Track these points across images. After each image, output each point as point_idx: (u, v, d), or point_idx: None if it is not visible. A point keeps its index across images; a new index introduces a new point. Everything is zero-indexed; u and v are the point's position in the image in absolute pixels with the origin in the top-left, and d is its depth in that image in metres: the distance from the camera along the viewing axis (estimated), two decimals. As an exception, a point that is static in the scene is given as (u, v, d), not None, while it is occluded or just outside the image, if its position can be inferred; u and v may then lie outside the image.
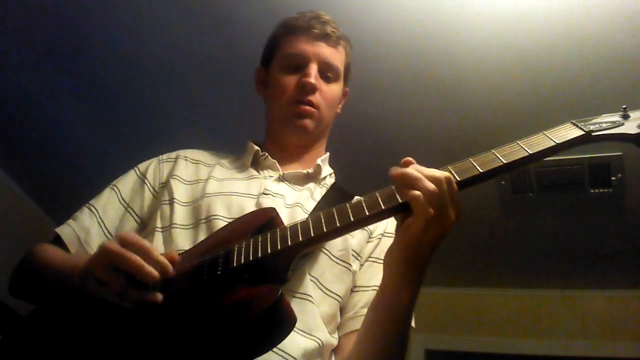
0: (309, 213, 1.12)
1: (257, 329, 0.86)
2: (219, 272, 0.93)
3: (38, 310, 1.05)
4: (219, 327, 0.87)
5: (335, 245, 1.11)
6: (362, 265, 1.16)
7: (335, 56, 1.27)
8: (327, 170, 1.31)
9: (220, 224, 1.09)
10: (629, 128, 0.94)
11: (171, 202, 1.16)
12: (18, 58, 2.56)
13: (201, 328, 0.89)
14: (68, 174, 3.13)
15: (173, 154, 1.29)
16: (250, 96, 1.43)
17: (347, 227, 0.92)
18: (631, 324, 3.34)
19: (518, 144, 0.97)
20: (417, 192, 0.89)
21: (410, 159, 0.97)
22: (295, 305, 0.95)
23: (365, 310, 1.07)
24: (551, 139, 0.95)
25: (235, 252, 0.95)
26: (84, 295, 0.93)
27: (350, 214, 0.91)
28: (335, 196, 1.18)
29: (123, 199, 1.22)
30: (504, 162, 0.94)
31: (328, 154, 1.34)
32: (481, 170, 0.95)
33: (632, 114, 0.98)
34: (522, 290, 3.65)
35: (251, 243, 0.95)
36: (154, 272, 0.89)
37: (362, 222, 0.92)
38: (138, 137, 2.83)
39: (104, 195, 1.23)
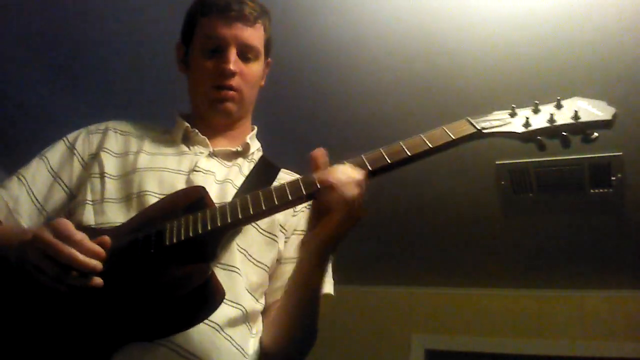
0: (237, 188, 1.18)
1: (190, 304, 0.94)
2: (152, 250, 0.98)
3: None
4: (153, 303, 0.95)
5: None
6: (288, 238, 1.23)
7: (254, 35, 1.27)
8: (255, 145, 1.35)
9: (151, 199, 1.12)
10: (514, 126, 1.01)
11: (102, 175, 1.18)
12: (17, 58, 2.56)
13: (135, 304, 0.95)
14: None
15: (102, 125, 1.31)
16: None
17: (271, 210, 1.00)
18: (631, 324, 3.34)
19: (421, 137, 1.04)
20: (337, 196, 0.96)
21: (320, 151, 1.03)
22: (223, 277, 1.03)
23: None
24: (449, 134, 1.02)
25: (167, 230, 1.00)
26: (19, 272, 0.95)
27: (275, 198, 0.99)
28: (262, 171, 1.26)
29: (52, 168, 1.24)
30: (409, 154, 1.03)
31: (255, 129, 1.37)
32: (389, 161, 1.02)
33: (519, 112, 1.03)
34: (522, 290, 3.65)
35: (182, 222, 1.01)
36: (89, 262, 0.90)
37: (285, 205, 1.01)
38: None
39: (32, 164, 1.25)
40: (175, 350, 0.98)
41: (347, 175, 0.98)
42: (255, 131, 1.36)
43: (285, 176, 1.28)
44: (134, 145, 1.26)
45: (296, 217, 1.25)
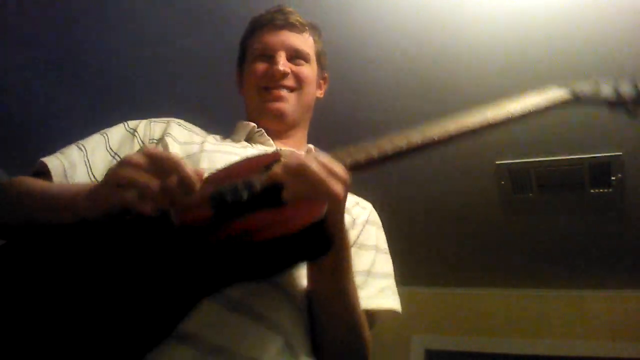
0: None
1: (300, 242, 0.81)
2: (245, 198, 0.86)
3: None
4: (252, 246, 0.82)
5: None
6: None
7: (302, 41, 1.28)
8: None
9: None
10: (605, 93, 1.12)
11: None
12: (18, 59, 2.56)
13: (232, 249, 0.83)
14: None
15: (165, 118, 1.26)
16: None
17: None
18: (631, 324, 3.34)
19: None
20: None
21: None
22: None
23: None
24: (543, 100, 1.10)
25: (255, 180, 0.89)
26: (82, 223, 0.84)
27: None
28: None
29: (111, 147, 1.17)
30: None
31: (312, 149, 1.29)
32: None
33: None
34: (522, 290, 3.66)
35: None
36: (194, 178, 0.80)
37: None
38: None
39: (93, 138, 1.18)
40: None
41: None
42: (310, 147, 1.29)
43: None
44: (197, 138, 1.20)
45: (355, 231, 1.16)
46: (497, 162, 2.75)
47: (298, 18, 1.29)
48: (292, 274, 0.99)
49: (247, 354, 0.88)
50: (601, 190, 2.81)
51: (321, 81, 1.36)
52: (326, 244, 0.85)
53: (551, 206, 2.97)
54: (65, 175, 1.09)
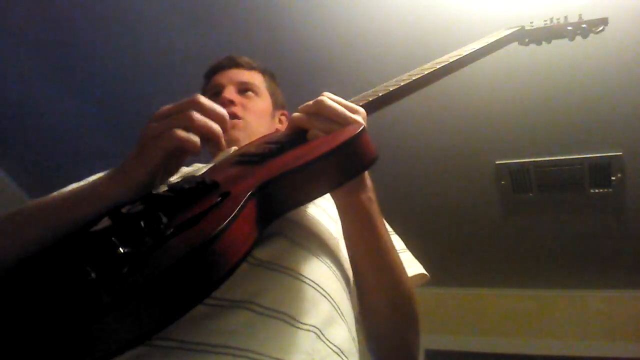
0: None
1: (344, 153, 0.74)
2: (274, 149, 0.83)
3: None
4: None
5: (329, 209, 1.02)
6: None
7: (249, 76, 1.33)
8: None
9: None
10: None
11: None
12: (18, 59, 2.56)
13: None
14: (66, 171, 3.13)
15: None
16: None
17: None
18: (631, 324, 3.34)
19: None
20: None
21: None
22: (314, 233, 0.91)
23: None
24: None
25: (279, 135, 0.91)
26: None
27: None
28: None
29: None
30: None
31: None
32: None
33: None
34: (522, 290, 3.65)
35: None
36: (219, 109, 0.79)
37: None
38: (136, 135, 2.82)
39: None
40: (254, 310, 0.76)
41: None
42: None
43: None
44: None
45: None
46: (497, 162, 2.75)
47: (247, 60, 1.36)
48: (331, 246, 0.93)
49: (301, 319, 0.78)
50: (601, 190, 2.81)
51: (281, 117, 1.39)
52: (370, 154, 0.77)
53: (551, 206, 2.97)
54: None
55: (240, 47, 2.34)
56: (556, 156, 2.66)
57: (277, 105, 1.37)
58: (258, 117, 1.28)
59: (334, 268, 0.91)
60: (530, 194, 2.90)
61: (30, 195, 3.34)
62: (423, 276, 1.09)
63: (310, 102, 0.84)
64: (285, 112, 1.40)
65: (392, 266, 0.91)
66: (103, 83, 2.66)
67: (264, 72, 1.38)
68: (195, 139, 0.72)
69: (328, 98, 0.83)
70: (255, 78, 1.34)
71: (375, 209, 0.88)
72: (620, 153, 2.59)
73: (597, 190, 2.81)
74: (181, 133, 0.72)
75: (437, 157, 2.73)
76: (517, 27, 1.42)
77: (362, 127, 0.77)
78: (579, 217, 3.01)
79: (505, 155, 2.72)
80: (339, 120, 0.81)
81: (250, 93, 1.30)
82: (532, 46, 2.24)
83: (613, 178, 2.71)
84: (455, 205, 3.04)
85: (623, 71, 2.24)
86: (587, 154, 2.61)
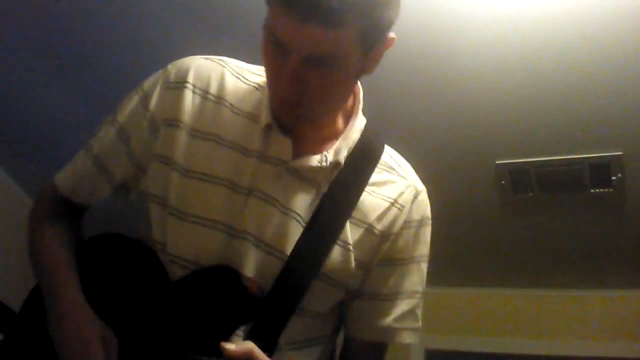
0: (304, 225, 0.97)
1: None
2: None
3: (33, 306, 1.04)
4: None
5: (334, 264, 0.99)
6: (372, 269, 1.05)
7: (332, 42, 0.85)
8: (351, 142, 1.03)
9: (202, 231, 0.97)
10: None
11: (167, 163, 1.01)
12: (18, 59, 2.56)
13: None
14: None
15: (181, 75, 1.05)
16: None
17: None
18: (631, 324, 3.33)
19: None
20: None
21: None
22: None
23: (375, 323, 1.06)
24: None
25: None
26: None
27: None
28: (345, 185, 0.98)
29: (120, 130, 1.09)
30: None
31: (356, 122, 1.05)
32: None
33: None
34: (522, 290, 3.65)
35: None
36: None
37: None
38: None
39: (102, 128, 1.13)
40: None
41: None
42: (352, 128, 1.04)
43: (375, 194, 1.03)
44: (209, 122, 1.01)
45: (386, 245, 1.05)
46: (497, 162, 2.75)
47: (339, 8, 0.81)
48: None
49: None
50: (601, 190, 2.81)
51: (376, 55, 0.97)
52: None
53: (551, 206, 2.97)
54: (75, 191, 1.12)
55: (241, 47, 2.34)
56: (556, 156, 2.65)
57: (367, 47, 0.91)
58: (323, 94, 0.93)
59: None
60: (530, 194, 2.90)
61: (31, 195, 3.34)
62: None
63: (240, 351, 0.85)
64: (388, 40, 0.97)
65: None
66: (103, 83, 2.66)
67: (363, 17, 0.85)
68: None
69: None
70: (342, 39, 0.85)
71: None
72: (620, 153, 2.59)
73: (597, 190, 2.81)
74: None
75: (436, 157, 2.72)
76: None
77: None
78: (579, 217, 3.01)
79: (505, 155, 2.71)
80: None
81: (324, 68, 0.88)
82: (534, 45, 2.24)
83: (613, 178, 2.70)
84: (455, 205, 3.03)
85: (623, 71, 2.24)
86: (587, 154, 2.61)
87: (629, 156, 2.59)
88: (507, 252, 3.34)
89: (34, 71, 2.63)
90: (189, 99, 1.03)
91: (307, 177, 1.00)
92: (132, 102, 1.10)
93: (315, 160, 1.00)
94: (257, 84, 1.06)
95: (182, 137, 1.01)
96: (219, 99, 1.03)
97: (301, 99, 0.92)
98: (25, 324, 1.04)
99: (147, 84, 1.11)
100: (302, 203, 0.98)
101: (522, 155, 2.69)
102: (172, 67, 1.08)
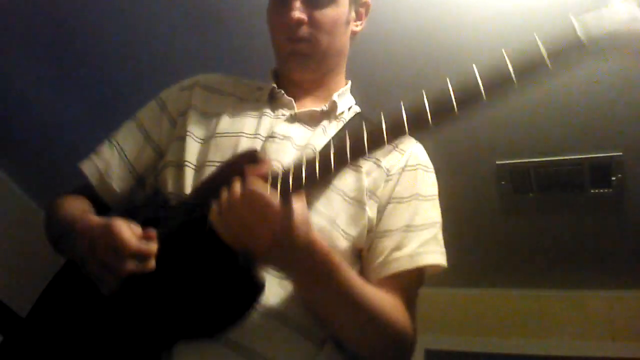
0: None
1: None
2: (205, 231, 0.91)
3: (38, 309, 1.05)
4: (208, 292, 0.91)
5: (349, 185, 1.07)
6: (384, 207, 1.10)
7: None
8: (346, 103, 1.22)
9: None
10: None
11: (185, 137, 1.14)
12: (18, 59, 2.56)
13: (190, 294, 0.92)
14: (66, 172, 3.13)
15: (192, 81, 1.27)
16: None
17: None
18: (631, 324, 3.34)
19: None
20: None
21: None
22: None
23: (396, 254, 1.05)
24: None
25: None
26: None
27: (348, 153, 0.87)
28: (350, 129, 1.07)
29: (143, 127, 1.22)
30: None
31: (348, 84, 1.26)
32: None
33: None
34: (522, 290, 3.65)
35: None
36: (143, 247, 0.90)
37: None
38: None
39: (124, 126, 1.24)
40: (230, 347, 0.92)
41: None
42: (347, 86, 1.24)
43: None
44: (218, 104, 1.19)
45: (391, 182, 1.11)
46: (497, 162, 2.75)
47: None
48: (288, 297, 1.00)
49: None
50: (601, 190, 2.81)
51: (361, 9, 1.25)
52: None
53: (551, 206, 2.97)
54: (103, 177, 1.17)
55: (241, 47, 2.34)
56: (556, 156, 2.65)
57: (354, 10, 1.23)
58: (329, 31, 1.15)
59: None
60: (530, 194, 2.90)
61: (31, 195, 3.34)
62: (435, 267, 1.10)
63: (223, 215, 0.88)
64: (366, 1, 1.25)
65: (362, 317, 0.97)
66: (103, 84, 2.66)
67: None
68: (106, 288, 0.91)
69: (236, 218, 0.86)
70: None
71: (324, 281, 0.93)
72: (620, 153, 2.59)
73: (597, 190, 2.81)
74: (98, 277, 0.90)
75: (437, 157, 2.72)
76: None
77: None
78: (578, 217, 3.01)
79: (505, 155, 2.71)
80: (235, 242, 0.88)
81: (322, 6, 1.13)
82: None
83: (613, 178, 2.71)
84: (455, 205, 3.02)
85: (623, 70, 2.24)
86: (587, 154, 2.61)
87: (629, 156, 2.59)
88: (507, 252, 3.34)
89: (34, 72, 2.63)
90: (199, 92, 1.23)
91: (314, 123, 1.15)
92: (151, 106, 1.26)
93: (316, 107, 1.18)
94: (257, 85, 1.26)
95: (195, 116, 1.17)
96: (225, 93, 1.23)
97: (308, 34, 1.12)
98: (26, 327, 1.05)
99: (162, 94, 1.28)
100: (314, 140, 1.11)
101: (522, 156, 2.69)
102: (186, 79, 1.30)
